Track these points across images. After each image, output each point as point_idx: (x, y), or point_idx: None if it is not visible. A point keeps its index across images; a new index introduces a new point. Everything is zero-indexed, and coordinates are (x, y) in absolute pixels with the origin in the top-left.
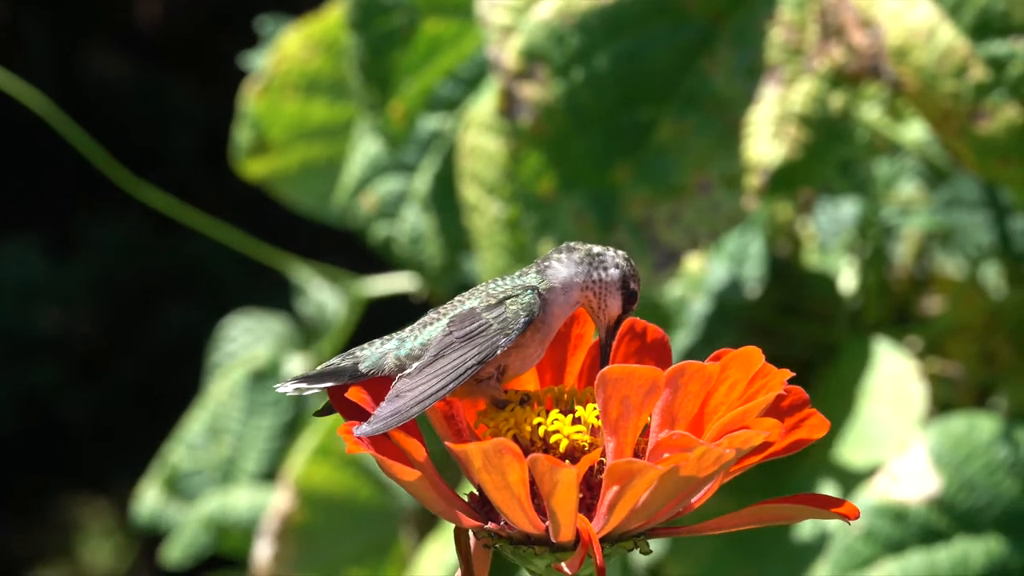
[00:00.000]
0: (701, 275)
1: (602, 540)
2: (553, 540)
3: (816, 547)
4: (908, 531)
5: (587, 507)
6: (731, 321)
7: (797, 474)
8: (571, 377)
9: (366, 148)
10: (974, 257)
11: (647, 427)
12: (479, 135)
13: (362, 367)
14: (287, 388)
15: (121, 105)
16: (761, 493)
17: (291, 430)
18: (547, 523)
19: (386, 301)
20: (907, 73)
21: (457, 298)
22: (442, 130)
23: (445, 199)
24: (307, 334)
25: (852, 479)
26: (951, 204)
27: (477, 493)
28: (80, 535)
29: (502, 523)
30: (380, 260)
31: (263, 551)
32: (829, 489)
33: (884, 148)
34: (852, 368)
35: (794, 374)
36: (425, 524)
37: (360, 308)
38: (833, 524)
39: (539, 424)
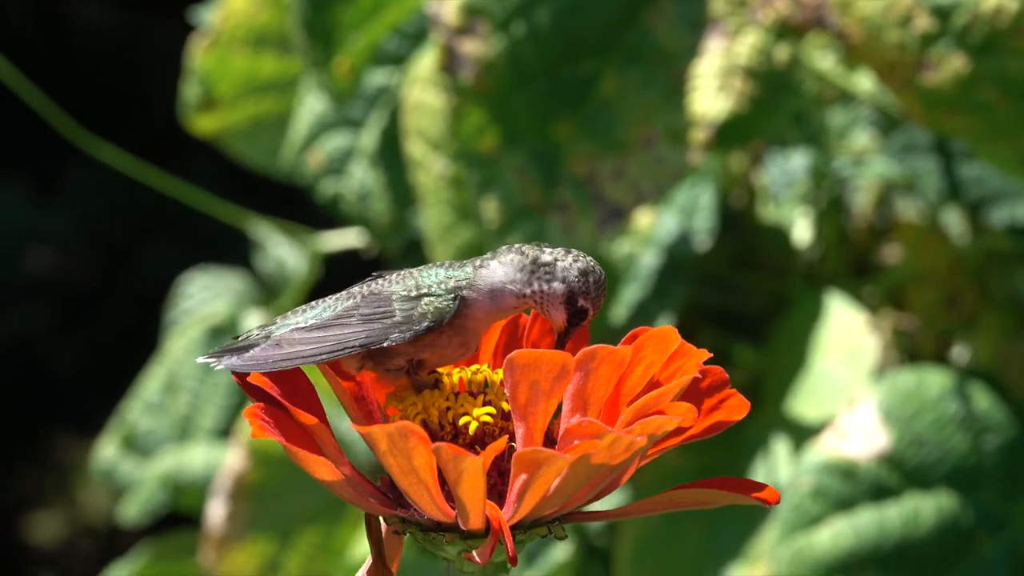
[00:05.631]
0: (649, 230)
1: (515, 527)
2: (463, 528)
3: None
4: (858, 488)
5: (499, 494)
6: (682, 274)
7: (749, 429)
8: (485, 356)
9: (312, 104)
10: (934, 204)
11: (559, 411)
12: (423, 91)
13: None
14: (209, 361)
15: (104, 49)
16: (713, 448)
17: None
18: (456, 510)
19: (344, 256)
20: (851, 24)
21: (397, 274)
22: (389, 85)
23: (392, 155)
24: (266, 290)
25: (804, 433)
26: (905, 151)
27: (388, 477)
28: (77, 478)
29: (412, 510)
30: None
31: (216, 511)
32: (781, 443)
33: (834, 98)
34: (804, 321)
35: (711, 355)
36: None
37: (318, 264)
38: (783, 481)
39: (448, 408)
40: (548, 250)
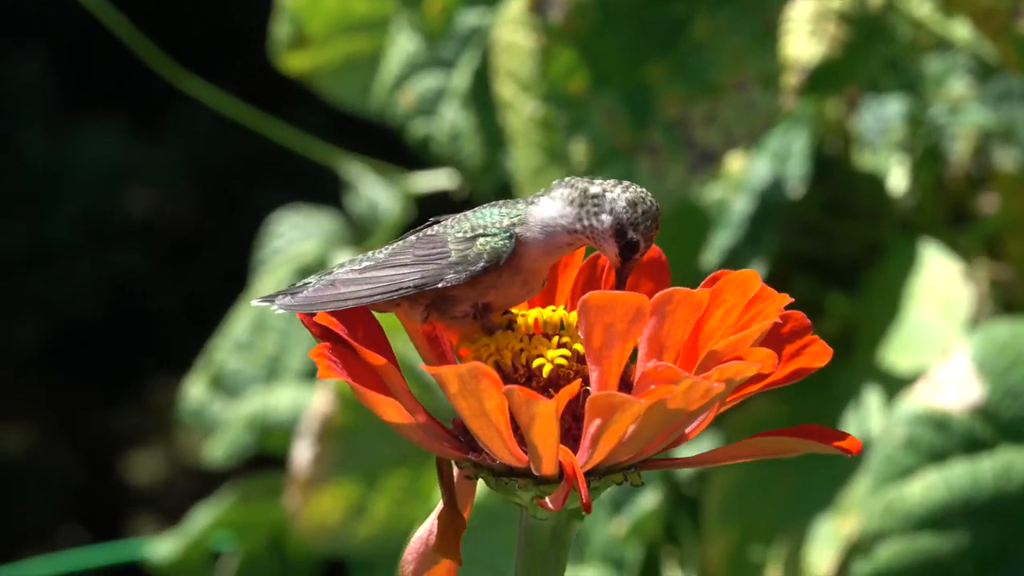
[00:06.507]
0: (742, 175)
1: (588, 473)
2: (536, 473)
3: (857, 456)
4: (951, 440)
5: (573, 438)
6: (775, 221)
7: (842, 378)
8: (562, 296)
9: (404, 44)
10: None
11: (635, 355)
12: (513, 31)
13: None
14: (263, 304)
15: None
16: (804, 397)
17: None
18: (529, 455)
19: (436, 197)
20: None
21: (453, 218)
22: (480, 26)
23: (484, 96)
24: (357, 231)
25: (896, 383)
26: (1001, 99)
27: (461, 421)
28: (175, 418)
29: (484, 454)
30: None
31: (302, 453)
32: (874, 394)
33: (930, 45)
34: (899, 270)
35: (793, 299)
36: None
37: (410, 204)
38: (875, 432)
39: (521, 350)
40: (598, 181)
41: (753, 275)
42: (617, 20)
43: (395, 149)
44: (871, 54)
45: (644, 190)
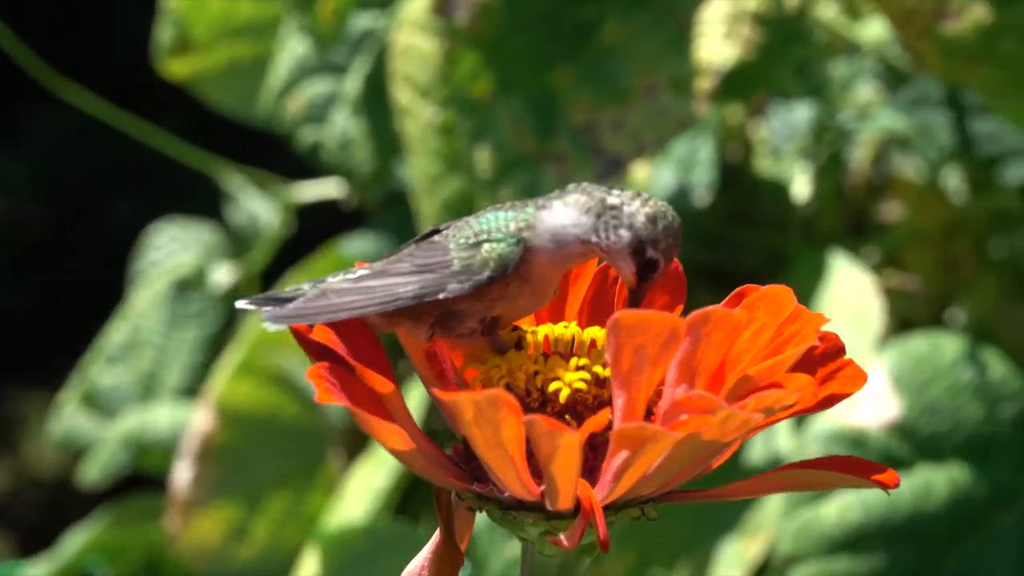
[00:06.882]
0: (647, 184)
1: (605, 508)
2: (549, 508)
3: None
4: (867, 458)
5: (588, 469)
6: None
7: None
8: (571, 311)
9: (293, 48)
10: (935, 160)
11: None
12: (412, 34)
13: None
14: (248, 307)
15: None
16: None
17: (216, 344)
18: (543, 488)
19: (321, 207)
20: None
21: (455, 224)
22: (374, 29)
23: (376, 102)
24: (237, 243)
25: None
26: (916, 104)
27: (462, 447)
28: (23, 429)
29: (490, 485)
30: (312, 165)
31: (183, 473)
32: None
33: (842, 49)
34: (806, 281)
35: (829, 319)
36: (355, 444)
37: (291, 215)
38: (786, 449)
39: (536, 372)
40: (616, 192)
41: (787, 291)
42: (525, 23)
43: (274, 158)
44: (786, 57)
45: (664, 203)
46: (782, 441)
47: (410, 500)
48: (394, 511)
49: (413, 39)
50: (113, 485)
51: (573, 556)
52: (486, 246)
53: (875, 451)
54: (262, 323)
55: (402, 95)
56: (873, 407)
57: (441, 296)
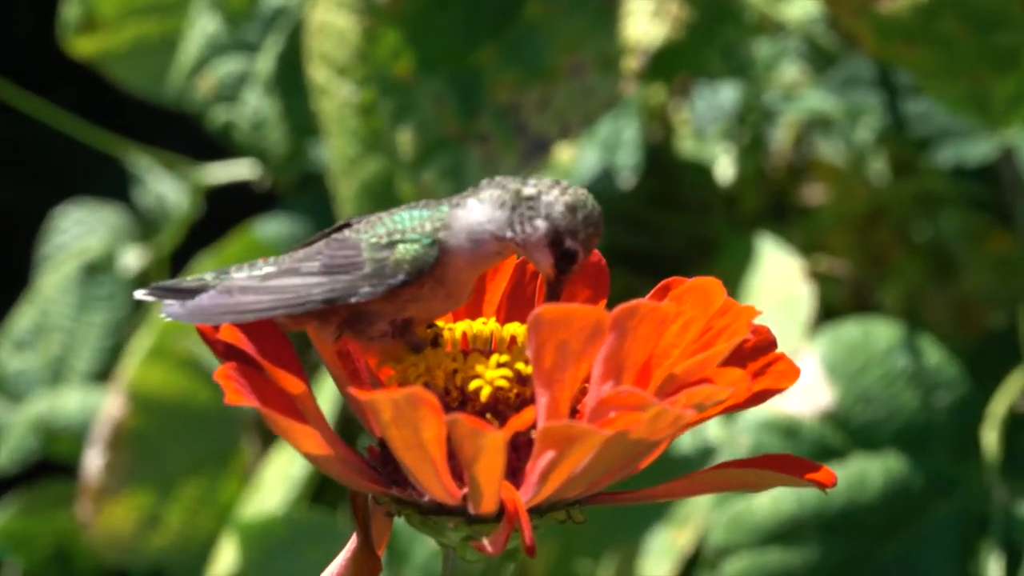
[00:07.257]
0: (571, 165)
1: (530, 511)
2: (472, 511)
3: (699, 463)
4: (800, 448)
5: (511, 471)
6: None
7: None
8: (489, 307)
9: (203, 26)
10: (867, 141)
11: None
12: (329, 11)
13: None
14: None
15: None
16: None
17: (126, 328)
18: (465, 491)
19: (233, 189)
20: None
21: (367, 220)
22: (287, 6)
23: (290, 81)
24: (145, 226)
25: None
26: (845, 85)
27: (379, 448)
28: None
29: (409, 488)
30: (223, 145)
31: (94, 460)
32: None
33: (768, 28)
34: (733, 266)
35: (760, 312)
36: (269, 431)
37: (200, 197)
38: (711, 441)
39: (456, 371)
40: (533, 181)
41: (716, 284)
42: (447, 0)
43: (182, 138)
44: (716, 37)
45: (584, 192)
46: (712, 431)
47: (327, 489)
48: (311, 500)
49: (330, 16)
50: (22, 472)
51: (496, 562)
52: (400, 247)
53: (808, 440)
54: (162, 316)
55: (318, 74)
56: (805, 396)
57: (353, 300)
